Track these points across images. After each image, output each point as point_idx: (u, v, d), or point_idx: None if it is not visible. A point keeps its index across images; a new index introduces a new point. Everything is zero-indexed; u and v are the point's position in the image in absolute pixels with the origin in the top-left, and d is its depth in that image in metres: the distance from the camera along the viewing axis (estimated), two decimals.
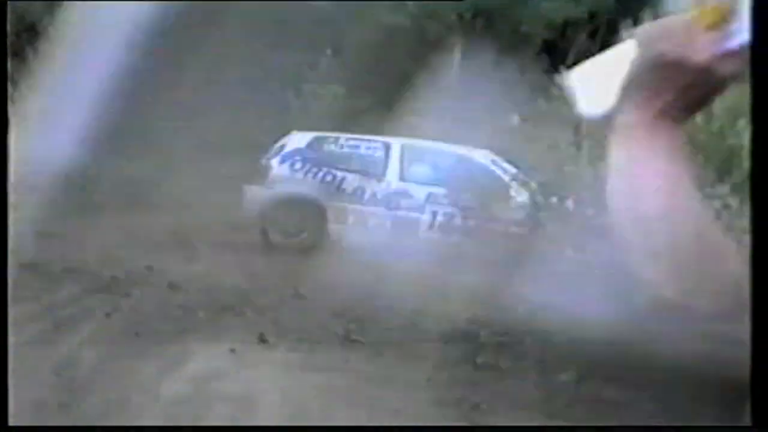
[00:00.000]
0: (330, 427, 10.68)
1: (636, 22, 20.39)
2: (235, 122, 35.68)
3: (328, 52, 37.05)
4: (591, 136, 19.78)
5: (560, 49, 40.03)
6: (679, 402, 14.83)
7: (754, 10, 3.37)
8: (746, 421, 3.26)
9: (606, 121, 3.40)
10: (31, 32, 34.15)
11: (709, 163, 18.83)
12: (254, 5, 37.69)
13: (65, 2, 32.30)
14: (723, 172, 18.55)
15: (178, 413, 14.21)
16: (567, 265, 18.15)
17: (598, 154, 19.40)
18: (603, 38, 30.58)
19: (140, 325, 17.96)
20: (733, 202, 17.96)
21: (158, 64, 36.11)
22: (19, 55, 31.01)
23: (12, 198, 6.56)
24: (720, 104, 19.90)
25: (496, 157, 23.55)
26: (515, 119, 24.92)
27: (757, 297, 3.20)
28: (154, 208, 29.28)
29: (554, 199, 20.16)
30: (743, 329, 3.27)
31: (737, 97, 20.22)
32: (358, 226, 23.03)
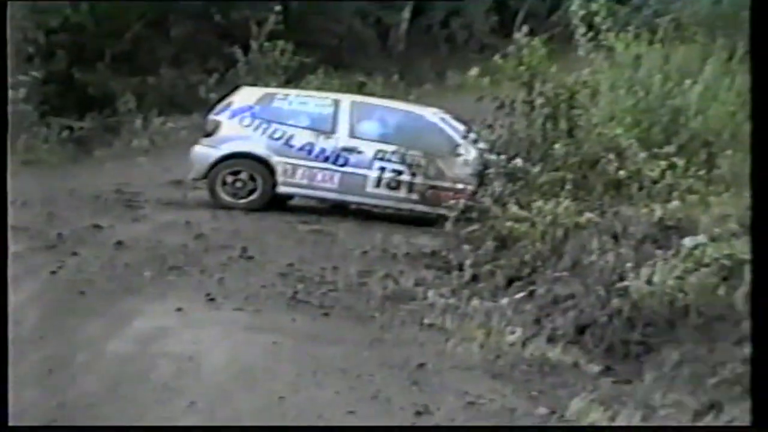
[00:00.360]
0: (327, 427, 10.56)
1: None
2: (181, 78, 35.83)
3: (277, 8, 37.08)
4: (544, 95, 20.04)
5: (510, 8, 40.26)
6: (626, 360, 15.00)
7: (754, 10, 3.42)
8: None
9: None
10: None
11: (656, 124, 19.02)
12: None
13: None
14: (670, 133, 18.72)
15: (123, 371, 14.27)
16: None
17: (550, 113, 19.70)
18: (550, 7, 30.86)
19: (86, 284, 18.09)
20: (680, 162, 18.17)
21: (103, 18, 36.12)
22: None
23: None
24: (670, 65, 20.11)
25: (445, 115, 23.72)
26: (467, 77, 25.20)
27: (757, 297, 3.29)
28: (101, 165, 29.41)
29: (503, 158, 20.42)
30: None
31: (685, 56, 20.48)
32: (305, 184, 23.21)
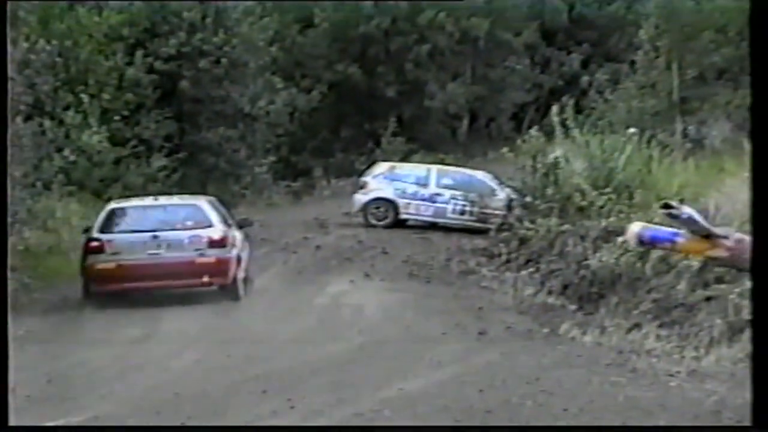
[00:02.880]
0: (333, 427, 9.15)
1: (562, 109, 20.82)
2: (347, 158, 35.47)
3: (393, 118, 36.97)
4: (541, 163, 20.30)
5: (519, 118, 40.21)
6: (589, 302, 15.39)
7: (754, 10, 3.19)
8: None
9: None
10: None
11: (600, 177, 19.18)
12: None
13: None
14: (608, 181, 18.86)
15: (324, 314, 14.96)
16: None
17: (544, 172, 19.87)
18: (543, 115, 30.55)
19: (301, 269, 18.94)
20: (614, 196, 18.40)
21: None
22: None
23: None
24: (605, 145, 20.28)
25: (488, 174, 23.96)
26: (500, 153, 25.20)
27: (757, 297, 3.09)
28: (306, 206, 29.51)
29: (520, 197, 20.78)
30: None
31: (614, 141, 20.47)
32: (414, 213, 23.37)
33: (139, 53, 27.45)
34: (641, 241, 7.50)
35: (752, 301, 3.06)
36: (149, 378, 11.32)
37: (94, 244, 15.68)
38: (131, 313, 15.18)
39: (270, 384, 10.50)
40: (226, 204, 19.01)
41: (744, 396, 9.57)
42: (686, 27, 29.04)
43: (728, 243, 6.18)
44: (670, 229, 3.52)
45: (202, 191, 26.44)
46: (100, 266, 15.51)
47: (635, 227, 7.14)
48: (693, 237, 5.72)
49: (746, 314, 12.52)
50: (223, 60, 28.76)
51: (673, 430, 8.96)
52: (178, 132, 28.13)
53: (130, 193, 23.09)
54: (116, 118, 26.40)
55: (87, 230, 16.32)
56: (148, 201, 17.37)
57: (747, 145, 21.74)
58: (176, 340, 13.44)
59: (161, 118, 27.67)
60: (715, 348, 12.06)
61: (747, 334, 12.08)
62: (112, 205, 16.86)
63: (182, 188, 25.29)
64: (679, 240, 3.29)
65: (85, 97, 25.22)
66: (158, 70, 27.84)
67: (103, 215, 16.17)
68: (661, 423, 8.85)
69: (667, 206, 3.23)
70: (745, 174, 19.16)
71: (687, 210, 3.14)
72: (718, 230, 3.12)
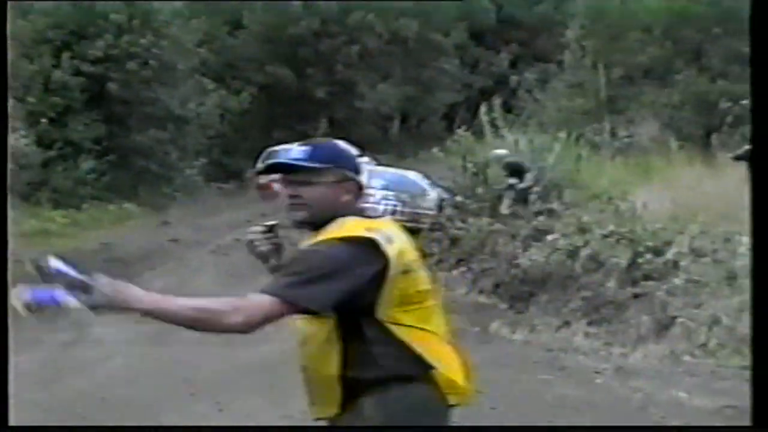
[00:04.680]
0: (330, 427, 9.23)
1: (492, 109, 21.00)
2: None
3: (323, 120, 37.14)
4: (471, 162, 20.41)
5: (450, 118, 40.42)
6: (520, 301, 15.49)
7: (754, 10, 3.21)
8: None
9: None
10: None
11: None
12: None
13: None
14: (538, 179, 19.02)
15: None
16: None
17: (474, 172, 19.98)
18: (473, 114, 30.78)
19: (237, 270, 18.41)
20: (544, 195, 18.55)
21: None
22: None
23: None
24: (535, 144, 20.43)
25: (419, 174, 23.95)
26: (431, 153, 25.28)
27: (757, 297, 3.05)
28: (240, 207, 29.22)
29: (450, 196, 20.86)
30: None
31: (543, 139, 20.64)
32: None
33: (65, 56, 27.20)
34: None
35: (752, 300, 3.04)
36: (75, 383, 11.12)
37: None
38: (62, 318, 14.86)
39: (199, 387, 10.39)
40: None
41: (669, 392, 9.78)
42: (612, 27, 29.41)
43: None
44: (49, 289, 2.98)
45: (132, 194, 26.36)
46: None
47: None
48: None
49: (672, 311, 12.76)
50: (152, 62, 28.50)
51: (673, 430, 9.03)
52: (107, 134, 27.84)
53: (58, 196, 22.84)
54: (43, 120, 26.08)
55: None
56: None
57: (674, 144, 22.15)
58: (106, 344, 13.24)
59: (89, 121, 27.36)
60: (641, 345, 12.24)
61: (673, 331, 12.33)
62: None
63: (112, 191, 25.09)
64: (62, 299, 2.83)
65: (10, 101, 24.87)
66: (86, 73, 27.52)
67: None
68: (587, 422, 8.93)
69: (38, 267, 2.84)
70: (673, 171, 19.55)
71: (55, 264, 2.79)
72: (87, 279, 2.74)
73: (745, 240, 13.39)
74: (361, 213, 3.67)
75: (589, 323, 13.54)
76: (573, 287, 14.80)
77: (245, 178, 34.19)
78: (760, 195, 2.79)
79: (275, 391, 10.11)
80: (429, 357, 3.58)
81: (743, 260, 12.76)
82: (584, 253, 15.01)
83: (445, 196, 21.60)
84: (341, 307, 3.43)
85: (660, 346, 12.01)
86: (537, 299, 15.06)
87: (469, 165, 20.49)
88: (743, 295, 11.98)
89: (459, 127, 24.45)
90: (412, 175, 24.11)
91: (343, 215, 3.61)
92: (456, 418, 3.76)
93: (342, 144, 3.84)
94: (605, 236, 15.24)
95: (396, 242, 3.54)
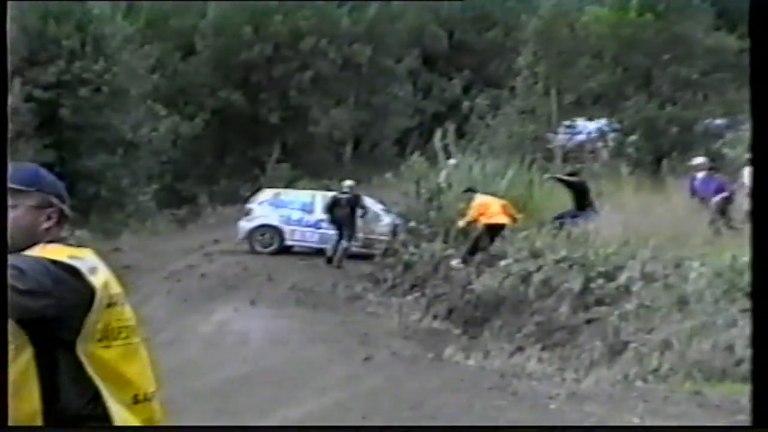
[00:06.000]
0: (330, 427, 9.32)
1: (444, 134, 20.96)
2: (233, 185, 35.17)
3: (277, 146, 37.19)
4: (426, 188, 20.44)
5: (403, 144, 40.36)
6: (474, 326, 15.50)
7: (754, 10, 3.15)
8: None
9: None
10: None
11: None
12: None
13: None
14: None
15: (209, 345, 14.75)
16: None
17: (428, 197, 20.00)
18: (426, 140, 30.72)
19: (197, 291, 18.66)
20: None
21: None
22: None
23: None
24: (488, 169, 20.51)
25: (373, 199, 23.89)
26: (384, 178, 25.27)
27: (757, 297, 3.04)
28: (190, 233, 28.98)
29: (404, 221, 20.87)
30: None
31: (496, 164, 20.69)
32: (299, 239, 23.17)
33: (17, 81, 26.97)
34: None
35: (752, 300, 3.02)
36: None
37: None
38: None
39: None
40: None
41: (622, 417, 9.80)
42: (563, 53, 29.61)
43: None
44: None
45: (84, 220, 26.09)
46: None
47: None
48: None
49: (625, 336, 12.83)
50: (104, 88, 28.35)
51: (673, 430, 9.04)
52: (58, 160, 27.57)
53: None
54: None
55: None
56: None
57: (624, 169, 22.31)
58: None
59: (41, 146, 27.13)
60: (594, 370, 12.29)
61: (626, 356, 12.39)
62: None
63: None
64: None
65: None
66: (37, 99, 27.34)
67: None
68: None
69: None
70: (624, 196, 19.68)
71: None
72: None
73: (696, 265, 13.54)
74: (63, 241, 3.31)
75: (542, 348, 13.59)
76: (526, 312, 14.88)
77: (198, 204, 34.10)
78: (761, 195, 2.80)
79: (228, 416, 10.15)
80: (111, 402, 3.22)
81: (694, 285, 12.88)
82: (537, 278, 15.10)
83: (399, 221, 21.66)
84: (36, 335, 3.09)
85: (612, 371, 12.07)
86: (490, 324, 15.12)
87: (423, 190, 20.56)
88: (694, 320, 12.09)
89: (412, 153, 24.52)
90: (366, 201, 24.14)
91: (46, 242, 3.28)
92: None
93: (45, 170, 3.53)
94: (558, 261, 15.33)
95: (100, 273, 3.22)
